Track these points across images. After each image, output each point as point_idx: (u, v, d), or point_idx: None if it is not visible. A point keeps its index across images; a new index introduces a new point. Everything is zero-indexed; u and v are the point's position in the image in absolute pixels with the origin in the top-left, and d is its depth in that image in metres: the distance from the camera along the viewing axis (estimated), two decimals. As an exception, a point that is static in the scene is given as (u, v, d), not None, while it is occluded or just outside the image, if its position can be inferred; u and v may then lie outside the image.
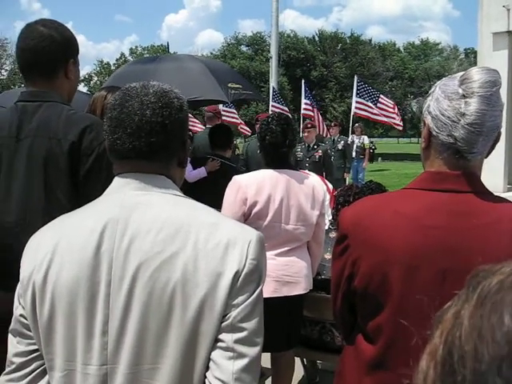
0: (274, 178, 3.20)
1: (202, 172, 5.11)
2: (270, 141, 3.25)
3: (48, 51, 2.11)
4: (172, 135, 1.31)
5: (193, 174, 5.08)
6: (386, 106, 14.32)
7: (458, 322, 0.43)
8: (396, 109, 14.60)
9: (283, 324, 3.20)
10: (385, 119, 14.41)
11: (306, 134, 9.24)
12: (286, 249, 3.21)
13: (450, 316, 0.44)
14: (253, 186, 3.16)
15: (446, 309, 0.46)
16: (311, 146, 9.15)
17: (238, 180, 3.21)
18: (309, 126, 9.41)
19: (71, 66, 2.21)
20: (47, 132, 2.05)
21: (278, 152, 3.28)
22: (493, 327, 0.40)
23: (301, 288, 3.24)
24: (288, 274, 3.19)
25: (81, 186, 2.03)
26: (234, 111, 14.49)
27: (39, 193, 2.04)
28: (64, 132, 2.04)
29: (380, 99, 14.27)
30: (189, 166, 5.10)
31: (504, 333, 0.39)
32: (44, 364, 1.29)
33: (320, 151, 9.05)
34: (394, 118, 14.43)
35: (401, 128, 15.49)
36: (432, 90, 1.45)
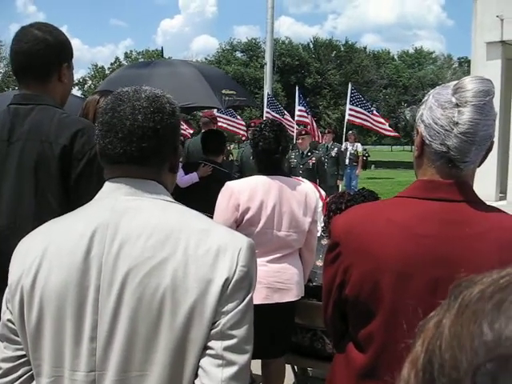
0: (267, 185, 3.20)
1: (193, 177, 5.10)
2: (262, 147, 3.25)
3: (42, 55, 2.10)
4: (164, 140, 1.30)
5: (184, 179, 5.07)
6: (379, 120, 14.47)
7: (439, 331, 0.43)
8: (387, 125, 14.80)
9: (274, 331, 3.19)
10: (377, 128, 14.52)
11: (299, 141, 9.26)
12: (277, 255, 3.20)
13: (432, 325, 0.45)
14: (245, 192, 3.15)
15: (428, 318, 0.46)
16: (305, 153, 9.16)
17: (230, 186, 3.21)
18: (303, 132, 9.44)
19: (65, 70, 2.20)
20: (39, 135, 2.04)
21: (270, 158, 3.28)
22: (472, 336, 0.40)
23: (292, 295, 3.23)
24: (279, 281, 3.18)
25: (72, 190, 2.02)
26: (229, 117, 14.49)
27: (30, 196, 2.02)
28: (56, 135, 2.03)
29: (373, 114, 14.42)
30: (180, 172, 5.09)
31: (482, 342, 0.39)
32: (31, 370, 1.28)
33: (314, 158, 9.06)
34: (386, 130, 14.57)
35: (393, 134, 15.62)
36: (425, 98, 1.45)
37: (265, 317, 2.81)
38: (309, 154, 9.17)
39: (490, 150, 1.41)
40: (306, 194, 3.31)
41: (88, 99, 2.83)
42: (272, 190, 3.19)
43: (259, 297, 2.97)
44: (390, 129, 14.96)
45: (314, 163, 8.98)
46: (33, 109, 2.09)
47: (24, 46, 2.09)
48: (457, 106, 1.33)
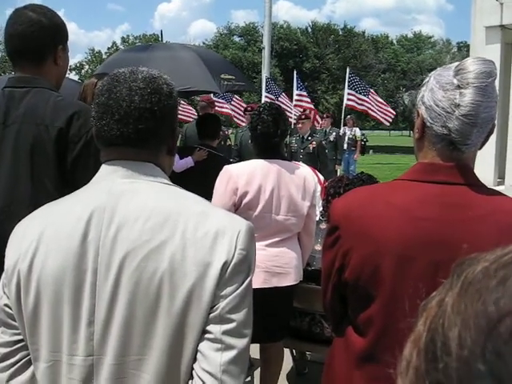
0: (265, 168, 3.19)
1: (188, 162, 5.07)
2: (261, 131, 3.23)
3: (36, 36, 2.07)
4: (161, 122, 1.28)
5: (180, 163, 5.05)
6: (377, 101, 14.44)
7: (442, 310, 0.43)
8: (388, 107, 14.76)
9: (273, 315, 3.19)
10: (373, 113, 14.51)
11: (299, 126, 9.22)
12: (276, 239, 3.20)
13: (434, 304, 0.45)
14: (244, 175, 3.14)
15: (430, 298, 0.46)
16: (305, 137, 9.13)
17: (229, 170, 3.20)
18: (303, 117, 9.39)
19: (60, 53, 2.17)
20: (34, 118, 2.02)
21: (269, 142, 3.26)
22: (476, 313, 0.40)
23: (291, 279, 3.23)
24: (278, 265, 3.18)
25: (68, 173, 2.00)
26: (224, 101, 14.44)
27: (26, 180, 2.01)
28: (51, 118, 2.01)
29: (371, 94, 14.38)
30: (176, 156, 5.06)
31: (487, 319, 0.39)
32: (29, 354, 1.27)
33: (314, 142, 9.03)
34: (384, 113, 14.54)
35: (388, 123, 15.58)
36: (426, 80, 1.43)
37: (263, 301, 2.81)
38: (309, 138, 9.13)
39: (491, 132, 1.39)
40: (305, 178, 3.30)
41: (85, 83, 2.80)
42: (270, 173, 3.18)
43: (257, 281, 2.97)
44: (389, 110, 14.91)
45: (314, 147, 8.94)
46: (28, 92, 2.06)
47: (18, 29, 2.06)
48: (458, 87, 1.31)
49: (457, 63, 1.37)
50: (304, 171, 3.42)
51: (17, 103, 2.05)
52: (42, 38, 2.08)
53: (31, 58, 2.10)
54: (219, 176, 3.20)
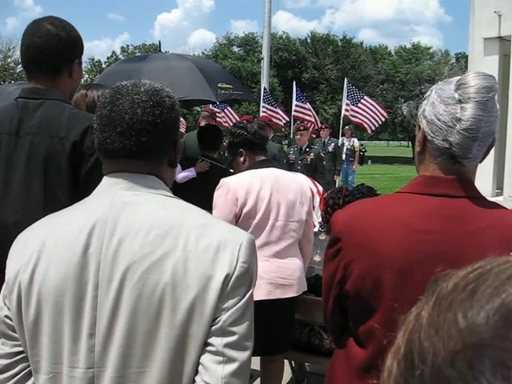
0: (262, 177, 3.23)
1: (191, 173, 5.08)
2: (253, 134, 3.38)
3: (54, 50, 2.07)
4: (163, 135, 1.29)
5: (182, 174, 5.06)
6: (370, 104, 14.46)
7: (419, 323, 0.46)
8: (381, 108, 14.76)
9: (277, 327, 3.19)
10: (364, 120, 14.53)
11: (298, 137, 9.23)
12: (278, 248, 3.20)
13: (412, 318, 0.48)
14: (242, 186, 3.16)
15: (409, 312, 0.50)
16: (303, 148, 9.14)
17: (226, 182, 3.22)
18: (301, 128, 9.40)
19: (76, 66, 2.18)
20: (49, 130, 2.01)
21: (263, 144, 3.42)
22: (448, 324, 0.43)
23: (294, 291, 3.23)
24: (282, 277, 3.18)
25: (81, 186, 1.98)
26: (221, 111, 14.51)
27: (39, 192, 2.00)
28: (66, 131, 2.00)
29: (363, 99, 14.42)
30: (178, 167, 5.07)
31: (458, 330, 0.42)
32: (29, 366, 1.27)
33: (312, 154, 9.04)
34: (374, 118, 14.55)
35: (373, 127, 15.53)
36: (427, 93, 1.44)
37: (267, 312, 2.81)
38: (307, 149, 9.14)
39: (492, 146, 1.40)
40: (301, 184, 3.36)
41: (75, 96, 2.81)
42: (267, 181, 3.21)
43: (261, 293, 2.97)
44: (382, 113, 14.91)
45: (312, 159, 8.96)
46: (42, 103, 2.06)
47: (36, 41, 2.06)
48: (460, 102, 1.32)
49: (458, 77, 1.38)
50: (300, 178, 3.47)
51: (31, 114, 2.04)
52: (59, 51, 2.09)
53: (47, 71, 2.10)
54: (217, 189, 3.22)
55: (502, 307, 0.41)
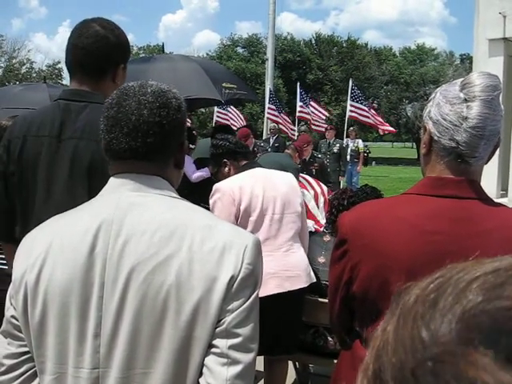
0: (252, 176, 3.31)
1: (205, 172, 5.13)
2: (236, 144, 3.52)
3: (101, 53, 2.01)
4: (169, 136, 1.29)
5: (196, 174, 5.14)
6: (377, 116, 14.57)
7: (385, 338, 0.46)
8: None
9: (287, 323, 3.20)
10: (375, 124, 14.60)
11: (303, 153, 9.19)
12: (280, 241, 3.23)
13: (379, 333, 0.48)
14: (235, 186, 3.22)
15: (378, 327, 0.49)
16: (307, 159, 9.13)
17: (219, 186, 3.27)
18: (305, 146, 9.37)
19: (120, 71, 2.12)
20: (94, 135, 1.87)
21: (247, 152, 3.55)
22: (412, 338, 0.43)
23: (302, 281, 3.24)
24: (287, 269, 3.20)
25: None
26: (227, 112, 14.52)
27: (82, 198, 1.86)
28: None
29: (371, 110, 14.54)
30: (192, 166, 5.14)
31: (421, 342, 0.42)
32: (35, 366, 1.27)
33: (316, 164, 9.04)
34: (383, 125, 14.67)
35: (390, 130, 15.68)
36: (432, 95, 1.44)
37: (277, 308, 2.84)
38: (311, 160, 9.14)
39: (497, 146, 1.41)
40: (290, 178, 3.45)
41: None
42: (258, 179, 3.30)
43: (269, 287, 3.00)
44: (386, 124, 15.06)
45: (317, 169, 8.97)
46: (86, 106, 1.98)
47: (84, 41, 2.00)
48: (465, 101, 1.32)
49: (462, 78, 1.39)
50: (287, 174, 3.58)
51: (74, 117, 1.97)
52: (106, 54, 2.03)
53: (92, 73, 2.04)
54: (211, 196, 3.27)
55: (464, 314, 0.41)
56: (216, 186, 3.28)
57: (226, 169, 3.45)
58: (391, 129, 15.34)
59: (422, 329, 0.42)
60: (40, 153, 1.95)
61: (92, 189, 1.88)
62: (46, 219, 1.91)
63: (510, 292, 0.41)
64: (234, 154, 3.44)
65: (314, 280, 3.35)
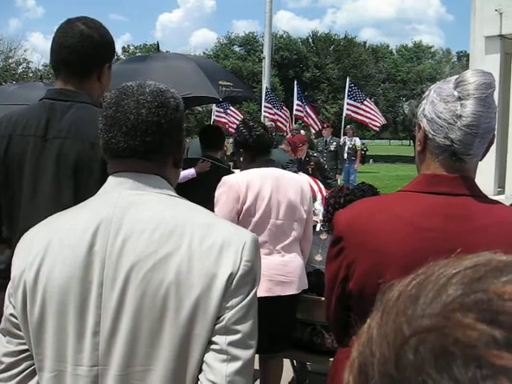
0: (263, 175, 3.24)
1: (190, 173, 5.08)
2: (256, 134, 3.32)
3: (86, 52, 2.01)
4: (168, 135, 1.30)
5: (181, 174, 5.06)
6: (371, 108, 14.51)
7: (369, 335, 0.47)
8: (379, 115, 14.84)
9: (276, 324, 3.19)
10: (366, 120, 14.58)
11: (297, 152, 9.19)
12: (278, 247, 3.22)
13: (364, 330, 0.49)
14: (243, 183, 3.18)
15: (364, 325, 0.50)
16: (303, 159, 9.13)
17: (227, 180, 3.24)
18: (300, 145, 9.37)
19: (105, 70, 2.11)
20: (79, 134, 1.93)
21: (264, 146, 3.37)
22: (395, 334, 0.43)
23: (294, 288, 3.24)
24: (282, 274, 3.19)
25: None
26: (226, 112, 14.53)
27: (69, 198, 1.90)
28: (98, 136, 1.93)
29: (366, 101, 14.48)
30: None
31: (402, 336, 0.43)
32: (34, 364, 1.28)
33: (312, 163, 9.04)
34: (374, 120, 14.61)
35: (377, 128, 15.67)
36: (426, 93, 1.45)
37: (266, 310, 2.81)
38: (307, 159, 9.14)
39: (491, 143, 1.41)
40: (302, 184, 3.36)
41: None
42: (268, 180, 3.22)
43: (261, 289, 2.98)
44: (378, 119, 15.01)
45: (313, 168, 8.97)
46: (71, 106, 1.98)
47: (69, 40, 2.00)
48: (459, 99, 1.33)
49: (456, 76, 1.39)
50: (300, 178, 3.49)
51: (59, 117, 1.96)
52: (91, 53, 2.02)
53: (77, 72, 2.03)
54: (218, 187, 3.23)
55: (444, 308, 0.42)
56: (224, 178, 3.26)
57: (241, 159, 3.42)
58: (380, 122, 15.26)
59: (404, 324, 0.43)
60: (26, 152, 1.95)
61: (78, 188, 1.87)
62: (32, 219, 1.89)
63: (487, 285, 0.42)
64: (248, 146, 3.37)
65: (307, 287, 3.35)
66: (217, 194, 3.21)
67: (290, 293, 3.23)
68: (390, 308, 0.47)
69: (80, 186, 1.90)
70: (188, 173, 5.07)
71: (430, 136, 1.40)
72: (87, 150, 1.90)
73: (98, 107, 2.03)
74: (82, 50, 2.00)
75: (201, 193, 3.52)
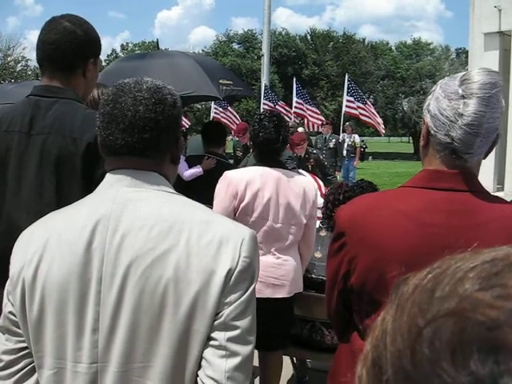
0: (265, 175, 3.20)
1: (197, 171, 5.09)
2: (264, 137, 3.25)
3: (69, 47, 2.03)
4: (165, 131, 1.30)
5: (189, 172, 5.07)
6: (371, 112, 14.55)
7: (383, 328, 0.47)
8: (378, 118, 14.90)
9: (265, 325, 3.17)
10: (371, 121, 14.60)
11: (297, 150, 9.19)
12: (273, 248, 3.19)
13: (379, 323, 0.48)
14: (243, 180, 3.16)
15: (378, 318, 0.50)
16: (302, 156, 9.13)
17: (228, 175, 3.22)
18: (302, 143, 9.36)
19: (90, 66, 2.13)
20: (62, 130, 1.95)
21: (270, 149, 3.28)
22: (409, 327, 0.43)
23: (285, 292, 3.20)
24: (274, 276, 3.17)
25: (95, 187, 1.93)
26: (225, 111, 14.52)
27: (51, 193, 1.94)
28: (81, 132, 1.94)
29: (367, 105, 14.50)
30: (184, 165, 5.09)
31: (416, 329, 0.42)
32: (33, 362, 1.28)
33: (312, 160, 9.04)
34: (378, 123, 14.66)
35: (383, 130, 15.75)
36: (433, 88, 1.44)
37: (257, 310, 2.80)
38: (306, 156, 9.14)
39: (495, 142, 1.40)
40: (305, 187, 3.28)
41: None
42: (269, 180, 3.18)
43: None
44: (380, 121, 15.07)
45: (312, 165, 8.96)
46: (55, 102, 2.01)
47: (52, 37, 2.02)
48: (463, 97, 1.32)
49: (463, 73, 1.38)
50: (304, 181, 3.39)
51: (43, 113, 1.99)
52: (75, 49, 2.04)
53: (61, 68, 2.05)
54: (219, 181, 3.22)
55: (460, 302, 0.41)
56: (226, 173, 3.25)
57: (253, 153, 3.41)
58: (381, 129, 15.34)
59: (419, 317, 0.43)
60: (10, 148, 1.98)
61: (59, 183, 1.90)
62: (15, 214, 1.94)
63: (506, 281, 0.42)
64: (255, 144, 3.35)
65: (301, 290, 3.33)
66: (217, 188, 3.21)
67: (281, 296, 3.19)
68: (405, 301, 0.46)
69: (62, 180, 1.93)
70: (195, 171, 5.08)
71: (433, 132, 1.40)
72: (69, 145, 1.93)
73: (83, 103, 2.07)
74: (65, 45, 2.03)
75: (208, 190, 3.50)
